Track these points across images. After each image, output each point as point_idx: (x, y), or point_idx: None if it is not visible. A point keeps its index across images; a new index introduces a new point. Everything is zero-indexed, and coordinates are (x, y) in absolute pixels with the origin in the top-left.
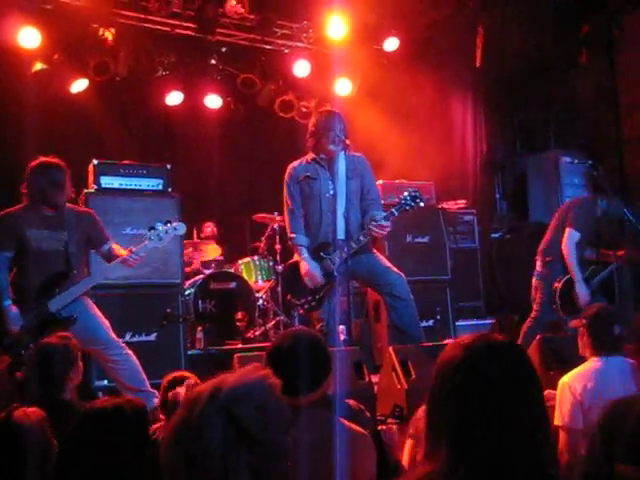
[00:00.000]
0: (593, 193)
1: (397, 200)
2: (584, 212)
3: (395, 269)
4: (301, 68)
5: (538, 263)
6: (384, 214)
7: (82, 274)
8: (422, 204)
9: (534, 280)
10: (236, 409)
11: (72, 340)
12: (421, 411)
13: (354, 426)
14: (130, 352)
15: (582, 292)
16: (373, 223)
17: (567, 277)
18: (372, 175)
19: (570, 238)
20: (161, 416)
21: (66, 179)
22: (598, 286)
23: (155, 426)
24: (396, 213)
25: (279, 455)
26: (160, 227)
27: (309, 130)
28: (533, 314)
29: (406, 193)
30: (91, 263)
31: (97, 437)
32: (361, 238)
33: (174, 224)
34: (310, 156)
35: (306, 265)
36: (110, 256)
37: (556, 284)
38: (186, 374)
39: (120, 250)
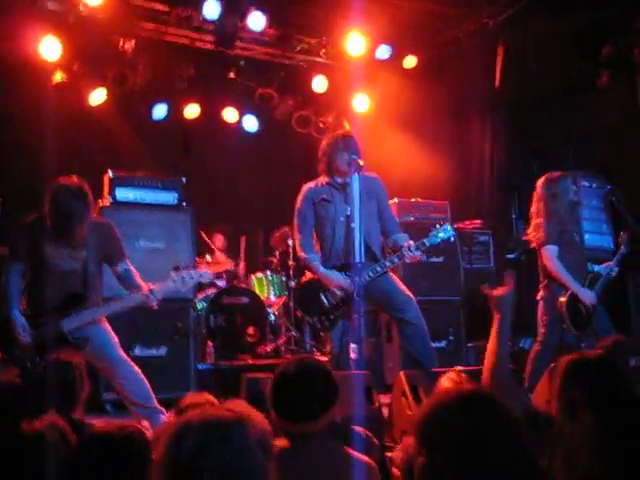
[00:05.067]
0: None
1: (430, 228)
2: (548, 225)
3: (407, 291)
4: (319, 83)
5: (540, 287)
6: (415, 244)
7: (98, 294)
8: (453, 239)
9: (539, 304)
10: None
11: (81, 360)
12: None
13: (359, 455)
14: (137, 369)
15: (586, 295)
16: (406, 252)
17: (570, 291)
18: (386, 195)
19: (549, 255)
20: None
21: (88, 207)
22: (602, 291)
23: None
24: (427, 244)
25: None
26: (185, 272)
27: (321, 152)
28: (540, 338)
29: (441, 227)
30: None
31: (99, 462)
32: (387, 264)
33: (201, 271)
34: (325, 179)
35: (329, 275)
36: (126, 279)
37: (562, 299)
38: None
39: (138, 278)
